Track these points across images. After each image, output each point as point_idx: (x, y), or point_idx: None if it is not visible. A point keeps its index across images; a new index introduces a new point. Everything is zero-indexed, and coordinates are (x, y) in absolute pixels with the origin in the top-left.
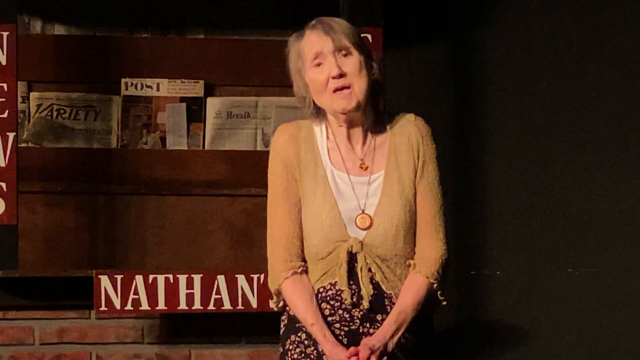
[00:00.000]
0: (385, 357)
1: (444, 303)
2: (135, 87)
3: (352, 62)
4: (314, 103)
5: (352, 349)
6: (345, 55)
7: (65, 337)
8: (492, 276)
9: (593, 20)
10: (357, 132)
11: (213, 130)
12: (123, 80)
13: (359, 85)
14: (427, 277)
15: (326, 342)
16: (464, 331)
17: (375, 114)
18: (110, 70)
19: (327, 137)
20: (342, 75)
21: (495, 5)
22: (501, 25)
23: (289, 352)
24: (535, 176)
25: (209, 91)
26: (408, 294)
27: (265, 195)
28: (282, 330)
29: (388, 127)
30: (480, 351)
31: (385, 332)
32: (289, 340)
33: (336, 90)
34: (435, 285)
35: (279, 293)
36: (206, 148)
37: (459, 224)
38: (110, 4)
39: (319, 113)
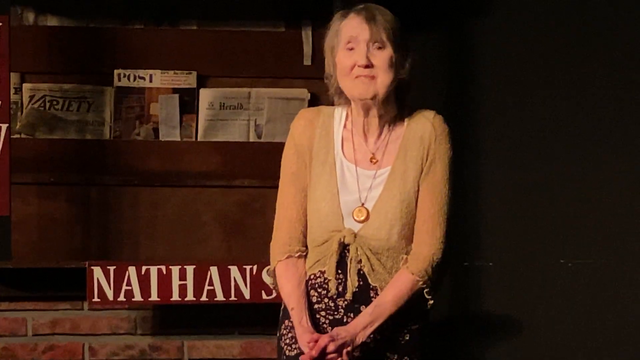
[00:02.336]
0: (349, 347)
1: (431, 302)
2: (128, 79)
3: (383, 56)
4: (338, 84)
5: (314, 335)
6: (379, 48)
7: (58, 328)
8: (485, 268)
9: (590, 14)
10: (374, 125)
11: (206, 122)
12: (116, 71)
13: (382, 79)
14: (414, 274)
15: (299, 326)
16: (456, 323)
17: (397, 110)
18: (103, 61)
19: (345, 126)
20: (368, 66)
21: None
22: (496, 18)
23: (283, 336)
24: (528, 168)
25: (202, 82)
26: (390, 289)
27: (258, 187)
28: (280, 315)
29: (405, 123)
30: (473, 343)
31: (357, 323)
32: (283, 324)
33: (357, 77)
34: (420, 284)
35: (274, 274)
36: (199, 139)
37: (452, 216)
38: None
39: (341, 95)
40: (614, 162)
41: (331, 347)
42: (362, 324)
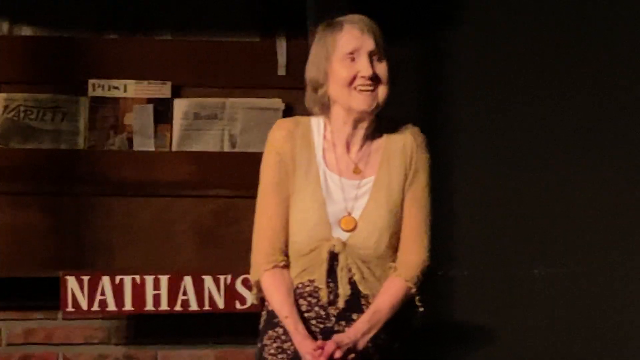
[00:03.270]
0: (353, 355)
1: (421, 309)
2: (103, 88)
3: (384, 68)
4: (327, 94)
5: (319, 342)
6: (379, 60)
7: (32, 338)
8: (459, 277)
9: (563, 22)
10: (358, 135)
11: (180, 132)
12: (90, 81)
13: (382, 92)
14: (407, 281)
15: (297, 334)
16: (431, 332)
17: (376, 120)
18: (78, 71)
19: (324, 137)
20: (372, 78)
21: (465, 6)
22: (471, 26)
23: (266, 347)
24: (502, 177)
25: (176, 92)
26: (385, 296)
27: (232, 197)
28: (261, 326)
29: (385, 133)
30: (447, 352)
31: (357, 330)
32: (267, 335)
33: (360, 89)
34: (413, 290)
35: (258, 285)
36: (173, 149)
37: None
38: (78, 5)
39: (324, 105)
40: (587, 172)
41: (338, 354)
42: (362, 331)
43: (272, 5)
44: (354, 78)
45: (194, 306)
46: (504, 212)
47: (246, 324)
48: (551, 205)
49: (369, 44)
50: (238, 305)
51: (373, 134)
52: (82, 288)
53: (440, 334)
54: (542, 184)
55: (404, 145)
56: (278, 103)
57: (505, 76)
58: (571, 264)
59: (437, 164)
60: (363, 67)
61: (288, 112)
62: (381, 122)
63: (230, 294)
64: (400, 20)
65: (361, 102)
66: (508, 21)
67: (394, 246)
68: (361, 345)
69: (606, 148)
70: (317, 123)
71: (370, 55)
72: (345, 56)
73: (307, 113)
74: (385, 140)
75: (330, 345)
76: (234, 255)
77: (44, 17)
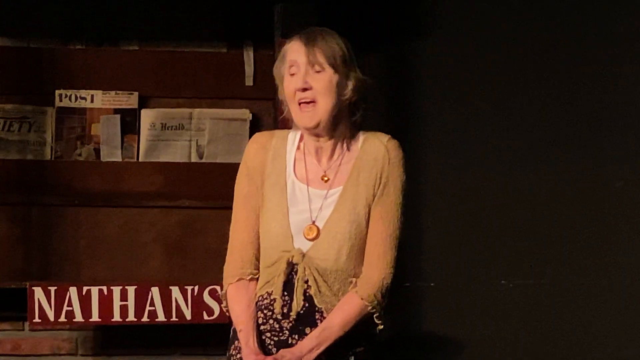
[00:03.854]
0: None
1: (380, 327)
2: (70, 99)
3: (322, 79)
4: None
5: (260, 356)
6: (317, 72)
7: None
8: (426, 288)
9: (529, 33)
10: (326, 146)
11: (147, 142)
12: (57, 91)
13: (323, 104)
14: (363, 299)
15: (246, 347)
16: (398, 343)
17: (351, 131)
18: (45, 81)
19: (298, 147)
20: (305, 89)
21: (433, 18)
22: (438, 37)
23: (232, 357)
24: (469, 188)
25: (144, 103)
26: (338, 312)
27: (199, 207)
28: (230, 335)
29: (360, 145)
30: None
31: (303, 346)
32: (233, 345)
33: (300, 103)
34: (370, 308)
35: (226, 297)
36: (140, 160)
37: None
38: (45, 16)
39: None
40: (555, 183)
41: None
42: (308, 347)
43: (239, 16)
44: (295, 92)
45: (161, 317)
46: (471, 224)
47: (213, 334)
48: (519, 217)
49: (303, 56)
50: (205, 316)
51: (348, 144)
52: (49, 299)
53: (408, 345)
54: (510, 196)
55: (376, 158)
56: (245, 114)
57: (475, 87)
58: (538, 275)
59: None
60: (297, 79)
61: (255, 123)
62: (358, 133)
63: (198, 304)
64: (369, 30)
65: (303, 118)
66: (477, 31)
67: (356, 259)
68: None
69: (574, 161)
70: (293, 135)
71: (309, 67)
72: (288, 71)
73: (275, 123)
74: (359, 152)
75: None
76: (201, 266)
77: (11, 28)
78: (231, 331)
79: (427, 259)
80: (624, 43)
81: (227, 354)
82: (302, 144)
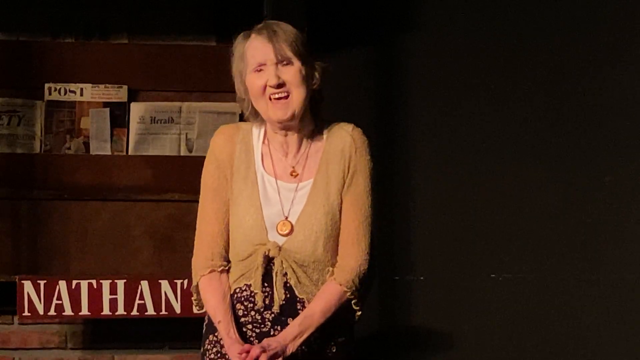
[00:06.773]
0: (280, 358)
1: (359, 314)
2: (59, 92)
3: (292, 72)
4: (253, 106)
5: (246, 346)
6: (286, 65)
7: None
8: (415, 282)
9: (516, 28)
10: (293, 140)
11: (137, 136)
12: (46, 85)
13: (297, 96)
14: (341, 285)
15: (228, 338)
16: (387, 337)
17: (314, 122)
18: (34, 75)
19: (263, 142)
20: (280, 85)
21: (420, 12)
22: (425, 31)
23: (207, 351)
24: (458, 182)
25: (133, 96)
26: (318, 300)
27: (189, 201)
28: (203, 330)
29: (325, 136)
30: (403, 357)
31: (287, 334)
32: (207, 340)
33: (273, 99)
34: (348, 294)
35: (197, 290)
36: (130, 153)
37: (382, 230)
38: (34, 9)
39: (257, 115)
40: (543, 177)
41: (263, 358)
42: (292, 335)
43: (228, 9)
44: (265, 88)
45: (150, 311)
46: (460, 217)
47: (203, 328)
48: (508, 211)
49: (271, 52)
50: (195, 310)
51: (313, 136)
52: (38, 293)
53: (397, 339)
54: (499, 190)
55: (343, 148)
56: (235, 107)
57: (461, 82)
58: (527, 269)
59: (393, 169)
60: (269, 76)
61: (244, 116)
62: (321, 124)
63: (187, 298)
64: (355, 24)
65: (276, 111)
66: (462, 26)
67: (332, 250)
68: (291, 349)
69: (561, 155)
70: (258, 129)
71: (278, 62)
72: (253, 68)
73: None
74: (325, 143)
75: (255, 350)
76: (190, 260)
77: (0, 21)
78: (204, 326)
79: (416, 252)
80: (613, 39)
81: (202, 349)
82: (267, 139)
